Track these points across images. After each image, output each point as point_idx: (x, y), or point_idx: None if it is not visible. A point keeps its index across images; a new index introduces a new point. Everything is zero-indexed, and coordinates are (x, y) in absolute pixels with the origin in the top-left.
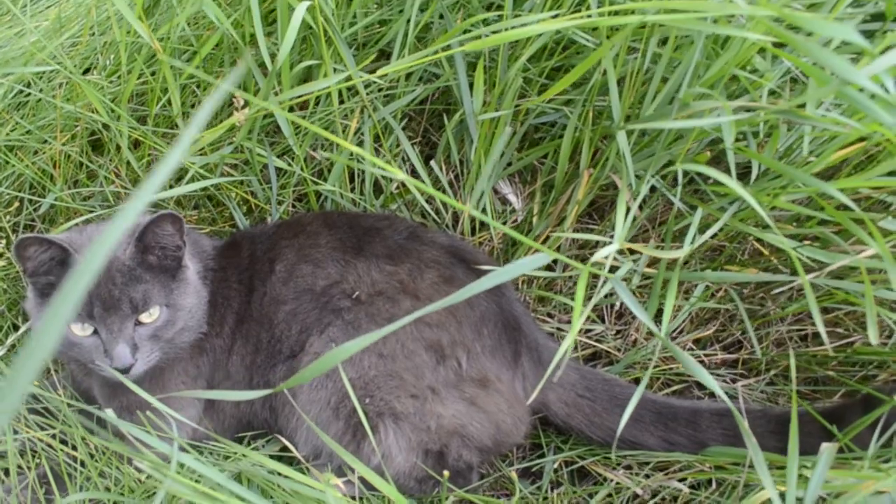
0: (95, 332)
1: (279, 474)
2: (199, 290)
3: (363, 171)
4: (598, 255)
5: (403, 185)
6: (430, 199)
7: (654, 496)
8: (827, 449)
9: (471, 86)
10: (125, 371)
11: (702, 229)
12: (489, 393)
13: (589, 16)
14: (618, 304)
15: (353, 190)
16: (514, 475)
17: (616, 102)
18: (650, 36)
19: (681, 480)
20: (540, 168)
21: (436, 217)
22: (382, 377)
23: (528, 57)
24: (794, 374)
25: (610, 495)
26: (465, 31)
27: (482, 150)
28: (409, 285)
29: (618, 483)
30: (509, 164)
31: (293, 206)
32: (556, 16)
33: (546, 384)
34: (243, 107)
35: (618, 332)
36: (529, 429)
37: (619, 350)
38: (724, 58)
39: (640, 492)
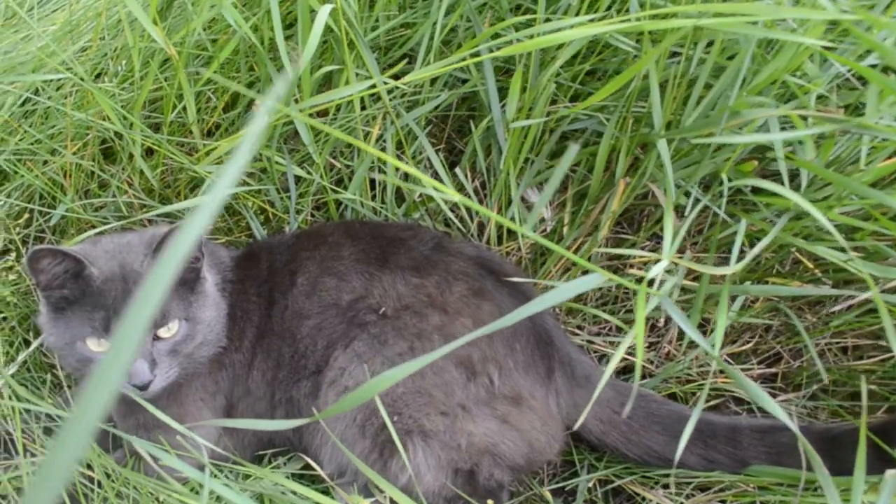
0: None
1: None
2: (218, 303)
3: (384, 180)
4: (654, 272)
5: (426, 193)
6: (454, 208)
7: None
8: (892, 477)
9: (499, 91)
10: (143, 388)
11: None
12: (522, 410)
13: (636, 19)
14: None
15: (373, 198)
16: (548, 494)
17: (658, 109)
18: (697, 41)
19: (721, 502)
20: (572, 176)
21: (460, 226)
22: (411, 394)
23: (563, 62)
24: (864, 392)
25: None
26: (493, 36)
27: (511, 159)
28: (437, 299)
29: (657, 503)
30: (539, 173)
31: (311, 216)
32: (593, 19)
33: (580, 402)
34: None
35: (650, 344)
36: (563, 446)
37: (651, 363)
38: (775, 63)
39: None
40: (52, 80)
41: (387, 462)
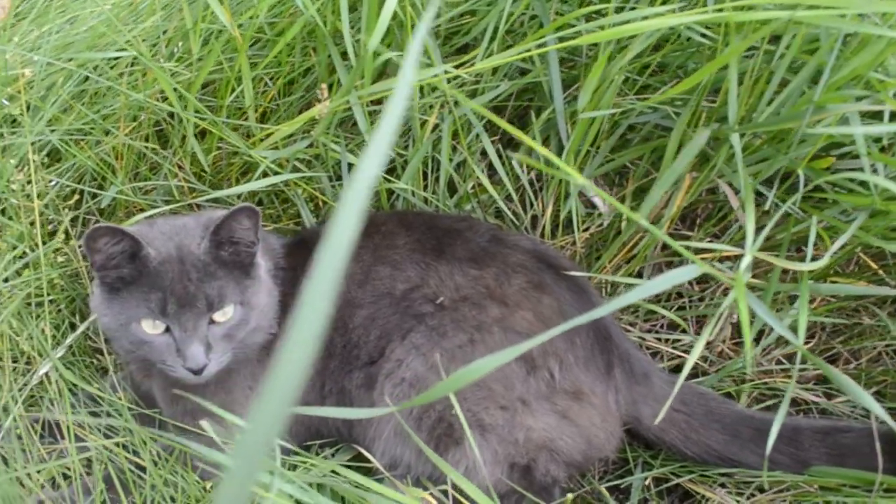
0: (167, 330)
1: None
2: (271, 289)
3: (437, 169)
4: (744, 264)
5: (479, 184)
6: (507, 200)
7: None
8: None
9: (562, 82)
10: (198, 372)
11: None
12: (582, 406)
13: (716, 11)
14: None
15: (425, 188)
16: (604, 491)
17: (734, 103)
18: (782, 34)
19: (784, 502)
20: (632, 170)
21: (513, 219)
22: (470, 387)
23: (635, 53)
24: None
25: None
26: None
27: (573, 151)
28: (496, 291)
29: (720, 503)
30: (599, 166)
31: None
32: (672, 10)
33: (639, 398)
34: (326, 99)
35: (706, 343)
36: (620, 443)
37: (704, 361)
38: (860, 58)
39: None
40: (106, 61)
41: (442, 455)
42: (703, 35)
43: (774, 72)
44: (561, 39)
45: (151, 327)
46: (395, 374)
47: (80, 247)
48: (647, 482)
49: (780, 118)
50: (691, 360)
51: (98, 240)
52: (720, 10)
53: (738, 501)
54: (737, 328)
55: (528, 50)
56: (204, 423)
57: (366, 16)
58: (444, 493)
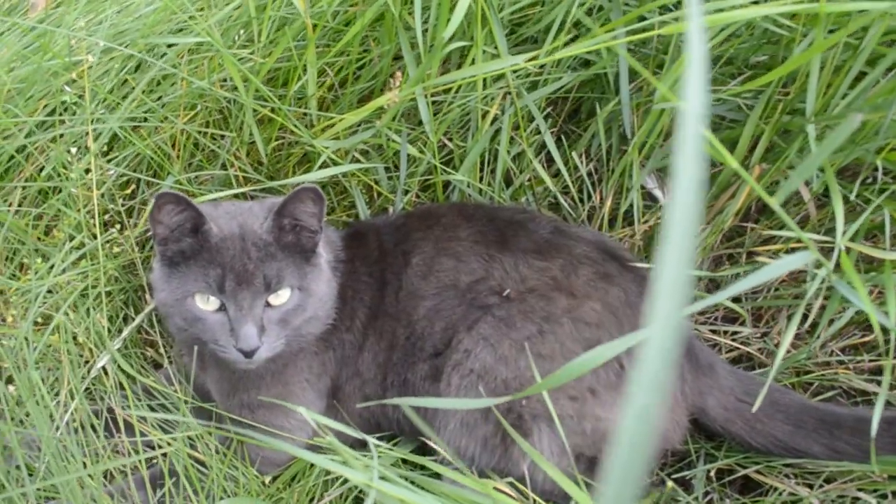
0: (222, 308)
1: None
2: (330, 280)
3: (493, 161)
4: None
5: (534, 176)
6: (564, 192)
7: None
8: None
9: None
10: (249, 354)
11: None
12: None
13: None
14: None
15: (480, 180)
16: (671, 482)
17: (812, 95)
18: (868, 27)
19: (860, 490)
20: None
21: (570, 211)
22: (541, 379)
23: (717, 43)
24: None
25: None
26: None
27: (638, 144)
28: (563, 282)
29: (791, 493)
30: (664, 157)
31: (417, 197)
32: (756, 2)
33: (705, 389)
34: (397, 87)
35: (761, 335)
36: (686, 434)
37: (761, 353)
38: None
39: (816, 502)
40: (165, 48)
41: (508, 447)
42: (782, 26)
43: (853, 63)
44: (634, 32)
45: (206, 303)
46: (462, 365)
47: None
48: (711, 473)
49: (849, 110)
50: (781, 350)
51: (163, 207)
52: (813, 0)
53: (808, 491)
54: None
55: (600, 41)
56: (302, 410)
57: (437, 6)
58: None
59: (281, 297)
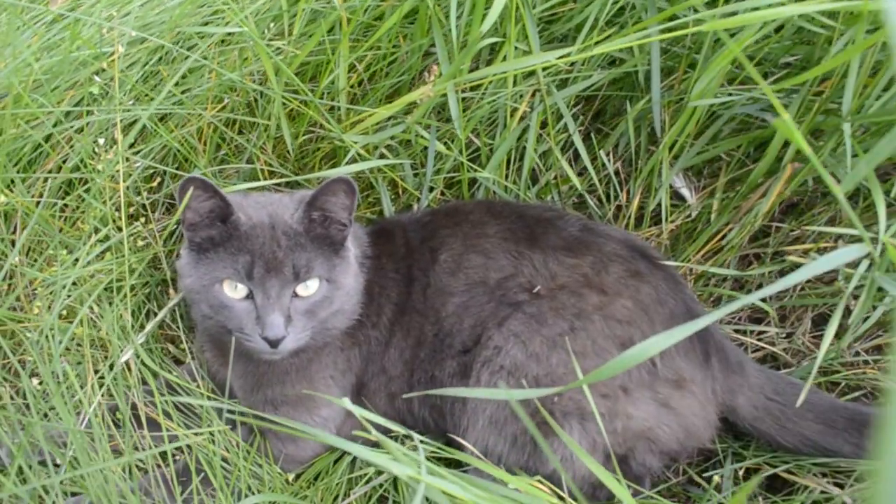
0: (249, 296)
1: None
2: (358, 274)
3: (520, 159)
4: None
5: (561, 174)
6: (591, 190)
7: None
8: None
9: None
10: (275, 344)
11: None
12: (683, 394)
13: None
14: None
15: (507, 178)
16: (701, 480)
17: (850, 94)
18: None
19: None
20: (725, 162)
21: (596, 209)
22: (572, 375)
23: (751, 42)
24: None
25: None
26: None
27: (669, 142)
28: (594, 279)
29: (823, 492)
30: (696, 154)
31: (442, 194)
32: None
33: (735, 387)
34: (431, 81)
35: (787, 335)
36: (716, 433)
37: (786, 352)
38: None
39: (849, 501)
40: (197, 38)
41: (537, 446)
42: (820, 25)
43: (890, 64)
44: (668, 30)
45: (234, 290)
46: (492, 362)
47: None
48: (739, 472)
49: (886, 109)
50: (824, 345)
51: (188, 190)
52: None
53: (840, 491)
54: (815, 321)
55: (631, 39)
56: (345, 402)
57: (471, 2)
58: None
59: (309, 288)
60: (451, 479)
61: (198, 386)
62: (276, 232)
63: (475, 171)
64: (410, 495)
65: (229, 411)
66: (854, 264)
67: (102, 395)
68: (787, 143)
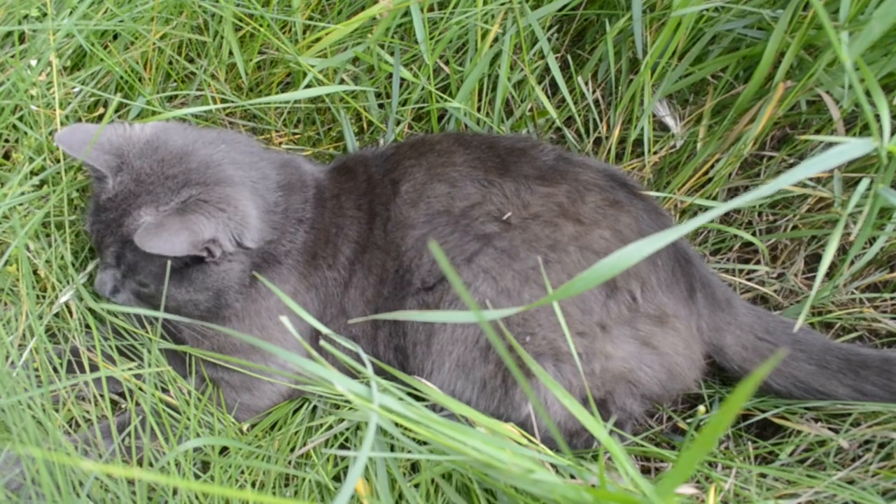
0: None
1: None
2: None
3: (493, 90)
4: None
5: (537, 106)
6: (569, 122)
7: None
8: None
9: None
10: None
11: None
12: (665, 331)
13: None
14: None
15: (479, 109)
16: (686, 426)
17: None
18: None
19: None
20: (712, 84)
21: (574, 142)
22: (545, 312)
23: None
24: None
25: (808, 449)
26: None
27: (651, 63)
28: (570, 209)
29: (816, 436)
30: (679, 79)
31: (410, 127)
32: None
33: (722, 325)
34: None
35: (778, 275)
36: (701, 375)
37: (778, 293)
38: None
39: (845, 445)
40: None
41: (509, 390)
42: None
43: None
44: None
45: None
46: (460, 301)
47: None
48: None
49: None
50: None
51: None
52: None
53: (834, 435)
54: (808, 261)
55: None
56: (284, 320)
57: None
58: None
59: None
60: (407, 403)
61: (146, 332)
62: None
63: (444, 100)
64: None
65: (179, 359)
66: (853, 182)
67: (40, 339)
68: (778, 62)
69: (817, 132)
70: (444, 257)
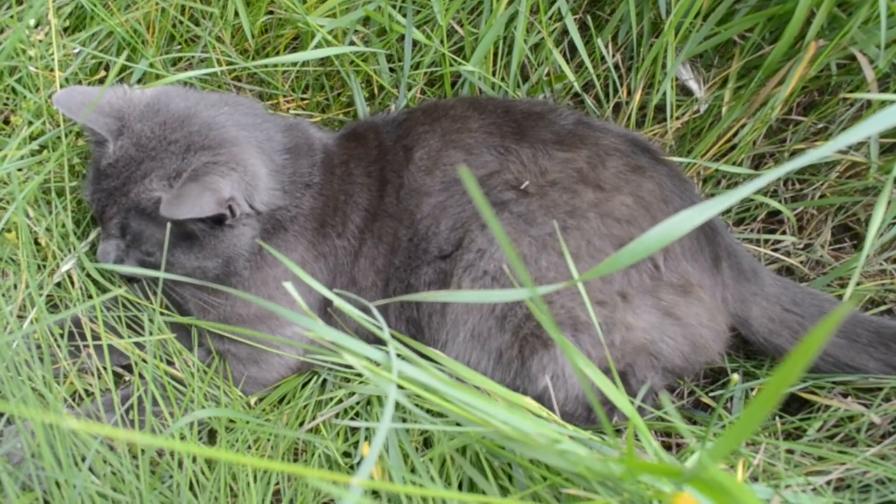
0: None
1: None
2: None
3: (509, 53)
4: None
5: (555, 70)
6: (587, 87)
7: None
8: None
9: None
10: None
11: None
12: (689, 301)
13: None
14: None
15: (494, 74)
16: (710, 401)
17: None
18: None
19: None
20: (739, 46)
21: (594, 109)
22: (564, 279)
23: None
24: None
25: (837, 425)
26: None
27: (675, 22)
28: (589, 174)
29: (846, 411)
30: (704, 40)
31: (422, 93)
32: None
33: (748, 296)
34: None
35: (805, 246)
36: (726, 347)
37: (803, 265)
38: None
39: (877, 420)
40: None
41: (526, 361)
42: None
43: None
44: None
45: None
46: (475, 267)
47: None
48: (753, 392)
49: None
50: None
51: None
52: None
53: (866, 410)
54: (836, 231)
55: None
56: (287, 285)
57: None
58: None
59: None
60: (428, 370)
61: (151, 302)
62: None
63: (458, 63)
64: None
65: (185, 331)
66: (888, 148)
67: (40, 310)
68: (809, 20)
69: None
70: (496, 223)
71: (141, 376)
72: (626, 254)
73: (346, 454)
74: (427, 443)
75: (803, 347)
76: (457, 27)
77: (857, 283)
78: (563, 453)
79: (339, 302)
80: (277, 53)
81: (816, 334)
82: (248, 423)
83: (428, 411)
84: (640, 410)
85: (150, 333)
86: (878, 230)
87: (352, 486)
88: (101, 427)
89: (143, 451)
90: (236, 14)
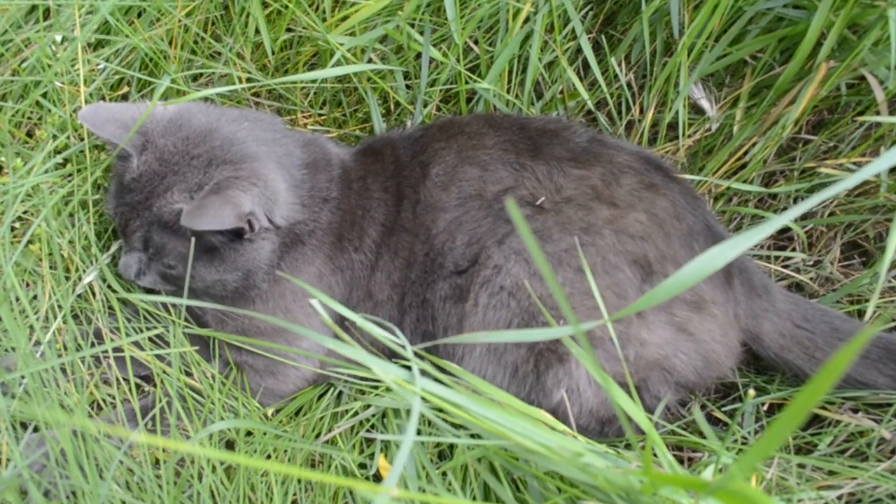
0: None
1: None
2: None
3: (523, 71)
4: None
5: (568, 88)
6: (600, 105)
7: None
8: None
9: None
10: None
11: None
12: (703, 318)
13: None
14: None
15: (508, 91)
16: (722, 416)
17: None
18: None
19: None
20: (750, 66)
21: (607, 126)
22: (579, 296)
23: None
24: None
25: (848, 440)
26: None
27: (688, 43)
28: (604, 192)
29: (856, 426)
30: (717, 59)
31: (437, 109)
32: None
33: (760, 312)
34: None
35: (814, 262)
36: (737, 362)
37: (813, 281)
38: None
39: (888, 435)
40: None
41: (541, 375)
42: None
43: None
44: None
45: None
46: (492, 282)
47: None
48: (764, 408)
49: None
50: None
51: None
52: None
53: (876, 426)
54: (845, 248)
55: None
56: (314, 302)
57: None
58: None
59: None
60: (450, 385)
61: (170, 314)
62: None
63: (474, 81)
64: (399, 429)
65: (204, 343)
66: None
67: (62, 321)
68: (820, 41)
69: (858, 115)
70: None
71: (159, 384)
72: (661, 290)
73: (362, 465)
74: (441, 455)
75: (829, 369)
76: (473, 45)
77: (866, 301)
78: (585, 466)
79: (361, 322)
80: (297, 70)
81: (841, 357)
82: (265, 434)
83: (447, 422)
84: (654, 424)
85: (171, 344)
86: (893, 253)
87: (379, 496)
88: (129, 433)
89: (164, 461)
90: (257, 31)
